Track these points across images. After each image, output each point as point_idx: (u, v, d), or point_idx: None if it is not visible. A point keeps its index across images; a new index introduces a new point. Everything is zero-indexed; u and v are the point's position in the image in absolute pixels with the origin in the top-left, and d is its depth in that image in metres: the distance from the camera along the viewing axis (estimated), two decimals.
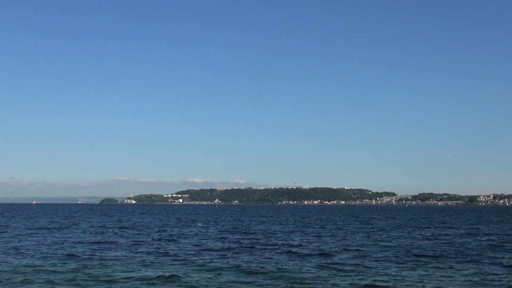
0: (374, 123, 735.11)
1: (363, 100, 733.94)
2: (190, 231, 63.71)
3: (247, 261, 32.45)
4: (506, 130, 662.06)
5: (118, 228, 69.10)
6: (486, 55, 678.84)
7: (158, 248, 40.69)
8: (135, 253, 37.05)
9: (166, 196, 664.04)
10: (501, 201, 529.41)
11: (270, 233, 59.89)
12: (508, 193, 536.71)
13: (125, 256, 34.88)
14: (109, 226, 74.43)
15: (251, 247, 41.33)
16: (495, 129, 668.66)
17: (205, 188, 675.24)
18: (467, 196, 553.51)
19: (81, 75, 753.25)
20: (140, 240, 48.56)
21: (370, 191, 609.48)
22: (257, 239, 50.88)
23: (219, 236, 54.80)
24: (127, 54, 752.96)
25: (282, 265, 30.78)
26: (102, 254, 35.81)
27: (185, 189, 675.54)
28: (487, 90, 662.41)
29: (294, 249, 39.94)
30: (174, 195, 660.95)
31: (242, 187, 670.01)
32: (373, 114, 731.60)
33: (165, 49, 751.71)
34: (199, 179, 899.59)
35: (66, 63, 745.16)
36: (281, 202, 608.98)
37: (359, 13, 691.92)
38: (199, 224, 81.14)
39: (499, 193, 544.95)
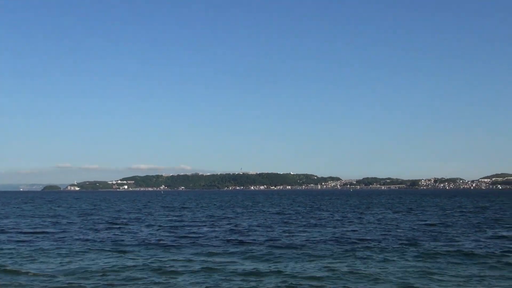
0: (319, 109, 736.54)
1: (308, 87, 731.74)
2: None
3: None
4: (446, 118, 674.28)
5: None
6: (425, 42, 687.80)
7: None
8: None
9: (110, 182, 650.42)
10: (441, 185, 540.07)
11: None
12: (448, 177, 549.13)
13: None
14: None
15: None
16: (437, 116, 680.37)
17: (150, 175, 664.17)
18: (409, 180, 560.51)
19: (19, 55, 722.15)
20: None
21: (316, 176, 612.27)
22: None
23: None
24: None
25: None
26: None
27: (130, 176, 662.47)
28: (427, 79, 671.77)
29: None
30: (119, 181, 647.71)
31: (188, 173, 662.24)
32: (317, 101, 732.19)
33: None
34: (144, 165, 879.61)
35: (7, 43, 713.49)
36: (227, 187, 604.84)
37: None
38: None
39: (439, 177, 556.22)
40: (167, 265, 25.21)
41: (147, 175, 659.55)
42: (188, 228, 46.08)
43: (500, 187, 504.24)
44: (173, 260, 26.89)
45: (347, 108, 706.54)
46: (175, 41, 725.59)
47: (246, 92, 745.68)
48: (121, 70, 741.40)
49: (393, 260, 26.54)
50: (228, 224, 51.73)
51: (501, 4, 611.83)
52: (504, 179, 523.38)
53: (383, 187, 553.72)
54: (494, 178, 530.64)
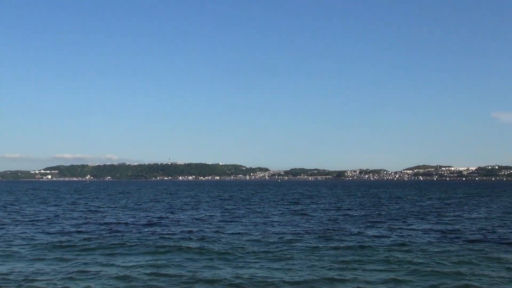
0: (246, 99, 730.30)
1: (236, 77, 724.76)
2: None
3: None
4: (371, 110, 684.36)
5: None
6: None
7: None
8: None
9: (33, 172, 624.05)
10: (366, 176, 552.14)
11: None
12: (372, 168, 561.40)
13: None
14: None
15: None
16: (362, 108, 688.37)
17: (76, 164, 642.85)
18: (335, 171, 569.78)
19: None
20: None
21: (244, 166, 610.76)
22: None
23: None
24: None
25: None
26: None
27: (54, 165, 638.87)
28: (350, 68, 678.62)
29: None
30: (42, 171, 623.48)
31: (115, 163, 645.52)
32: (246, 91, 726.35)
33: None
34: (69, 155, 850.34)
35: None
36: (155, 178, 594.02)
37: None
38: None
39: (364, 168, 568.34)
40: None
41: (72, 165, 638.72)
42: None
43: (421, 178, 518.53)
44: None
45: (275, 99, 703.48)
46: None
47: (174, 82, 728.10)
48: (46, 57, 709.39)
49: None
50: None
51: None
52: (425, 170, 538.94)
53: (310, 178, 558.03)
54: (416, 170, 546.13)
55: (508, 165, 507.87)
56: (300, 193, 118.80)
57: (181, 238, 31.35)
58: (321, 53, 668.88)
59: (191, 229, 36.57)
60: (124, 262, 23.37)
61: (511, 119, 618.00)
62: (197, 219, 44.62)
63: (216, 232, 34.83)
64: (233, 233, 34.12)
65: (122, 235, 32.99)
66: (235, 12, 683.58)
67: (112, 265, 22.86)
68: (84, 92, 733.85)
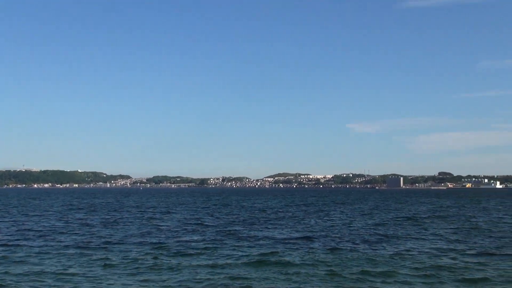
0: (108, 102, 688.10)
1: (99, 78, 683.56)
2: None
3: None
4: (234, 118, 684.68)
5: None
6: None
7: None
8: None
9: None
10: (229, 183, 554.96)
11: None
12: (235, 176, 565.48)
13: None
14: None
15: None
16: (224, 116, 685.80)
17: None
18: (199, 179, 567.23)
19: None
20: None
21: (105, 173, 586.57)
22: None
23: None
24: None
25: None
26: None
27: None
28: (212, 79, 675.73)
29: None
30: None
31: None
32: (106, 93, 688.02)
33: None
34: None
35: None
36: (7, 185, 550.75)
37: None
38: None
39: (227, 175, 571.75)
40: None
41: None
42: None
43: (281, 186, 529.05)
44: None
45: (137, 103, 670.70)
46: None
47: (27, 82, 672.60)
48: None
49: None
50: None
51: None
52: (285, 178, 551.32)
53: (173, 186, 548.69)
54: (277, 177, 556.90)
55: (361, 173, 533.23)
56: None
57: None
58: (184, 57, 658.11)
59: None
60: None
61: (364, 130, 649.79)
62: None
63: None
64: None
65: None
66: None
67: None
68: None
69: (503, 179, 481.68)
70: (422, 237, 37.03)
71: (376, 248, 30.69)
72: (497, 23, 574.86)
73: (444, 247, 31.43)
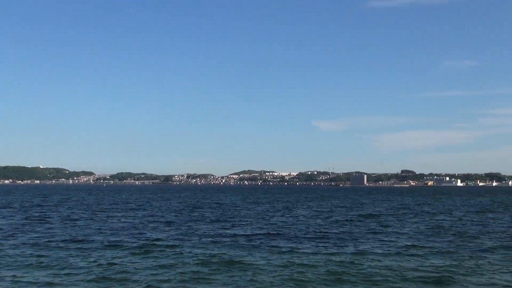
0: (70, 97, 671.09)
1: (69, 77, 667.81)
2: None
3: None
4: (200, 114, 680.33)
5: None
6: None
7: None
8: None
9: None
10: (194, 180, 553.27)
11: None
12: (200, 173, 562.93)
13: None
14: None
15: None
16: (191, 112, 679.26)
17: None
18: (163, 176, 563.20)
19: None
20: None
21: (67, 170, 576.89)
22: None
23: None
24: None
25: None
26: None
27: None
28: (171, 76, 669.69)
29: None
30: None
31: None
32: (66, 90, 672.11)
33: None
34: None
35: None
36: None
37: None
38: None
39: (192, 172, 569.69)
40: None
41: None
42: None
43: (246, 183, 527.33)
44: None
45: (97, 98, 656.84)
46: None
47: None
48: None
49: None
50: None
51: None
52: (250, 175, 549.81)
53: (137, 182, 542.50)
54: (242, 175, 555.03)
55: (326, 171, 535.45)
56: None
57: None
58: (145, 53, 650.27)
59: None
60: None
61: (329, 127, 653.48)
62: None
63: None
64: None
65: None
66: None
67: None
68: None
69: (464, 177, 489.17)
70: (383, 235, 36.60)
71: (337, 246, 30.16)
72: (460, 23, 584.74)
73: (405, 244, 31.08)
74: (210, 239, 32.95)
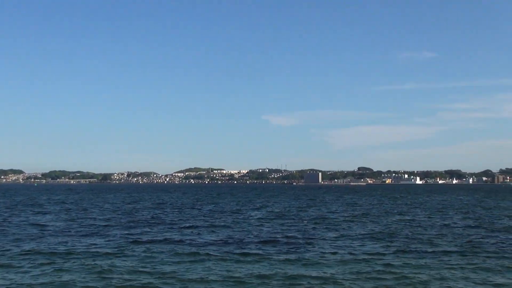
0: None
1: None
2: None
3: None
4: (142, 109, 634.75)
5: None
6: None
7: None
8: None
9: None
10: (135, 179, 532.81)
11: None
12: (142, 171, 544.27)
13: None
14: None
15: None
16: (128, 108, 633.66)
17: None
18: (101, 174, 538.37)
19: None
20: None
21: None
22: None
23: None
24: None
25: None
26: None
27: None
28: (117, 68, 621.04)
29: None
30: None
31: None
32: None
33: None
34: None
35: None
36: None
37: None
38: None
39: (133, 170, 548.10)
40: None
41: None
42: None
43: (192, 182, 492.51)
44: None
45: (29, 95, 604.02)
46: None
47: None
48: None
49: None
50: None
51: None
52: (197, 173, 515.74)
53: (72, 182, 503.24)
54: (188, 173, 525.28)
55: (278, 168, 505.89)
56: None
57: None
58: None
59: None
60: None
61: (281, 122, 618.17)
62: None
63: None
64: None
65: None
66: None
67: None
68: None
69: (423, 175, 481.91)
70: (335, 237, 34.20)
71: (283, 250, 28.00)
72: (418, 11, 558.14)
73: (358, 246, 29.48)
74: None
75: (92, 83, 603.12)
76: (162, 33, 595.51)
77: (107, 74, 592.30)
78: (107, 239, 32.33)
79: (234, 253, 26.55)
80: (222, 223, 43.60)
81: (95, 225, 41.92)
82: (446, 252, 27.03)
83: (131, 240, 31.62)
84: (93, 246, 28.84)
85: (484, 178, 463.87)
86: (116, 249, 27.67)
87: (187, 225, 41.90)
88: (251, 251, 27.29)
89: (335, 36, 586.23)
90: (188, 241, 31.09)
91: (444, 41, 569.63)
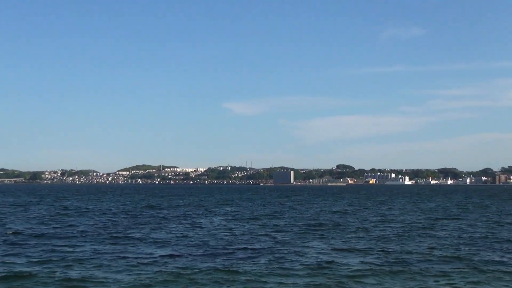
0: None
1: None
2: None
3: None
4: (79, 97, 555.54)
5: None
6: None
7: None
8: None
9: None
10: (71, 178, 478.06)
11: None
12: (78, 169, 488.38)
13: None
14: None
15: None
16: (63, 96, 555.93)
17: None
18: (29, 173, 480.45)
19: None
20: None
21: None
22: None
23: None
24: None
25: None
26: None
27: None
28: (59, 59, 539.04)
29: None
30: None
31: None
32: None
33: None
34: None
35: None
36: None
37: None
38: None
39: (68, 169, 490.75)
40: None
41: None
42: None
43: (140, 181, 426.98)
44: None
45: None
46: None
47: None
48: None
49: None
50: None
51: None
52: (145, 171, 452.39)
53: None
54: (134, 171, 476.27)
55: (242, 166, 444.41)
56: None
57: None
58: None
59: None
60: None
61: (245, 111, 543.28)
62: None
63: None
64: None
65: None
66: None
67: None
68: None
69: (413, 174, 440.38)
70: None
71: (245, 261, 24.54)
72: None
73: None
74: None
75: (14, 66, 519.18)
76: (107, 14, 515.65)
77: (39, 56, 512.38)
78: None
79: None
80: None
81: None
82: None
83: None
84: None
85: (483, 178, 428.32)
86: None
87: None
88: None
89: (306, 8, 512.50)
90: None
91: (434, 15, 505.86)
